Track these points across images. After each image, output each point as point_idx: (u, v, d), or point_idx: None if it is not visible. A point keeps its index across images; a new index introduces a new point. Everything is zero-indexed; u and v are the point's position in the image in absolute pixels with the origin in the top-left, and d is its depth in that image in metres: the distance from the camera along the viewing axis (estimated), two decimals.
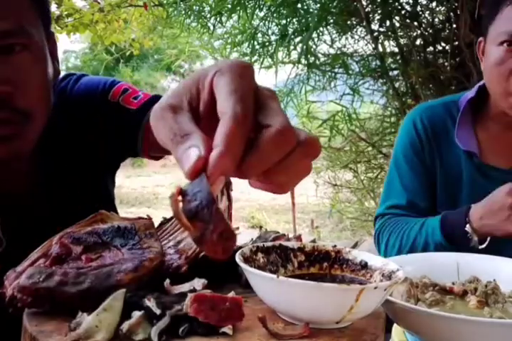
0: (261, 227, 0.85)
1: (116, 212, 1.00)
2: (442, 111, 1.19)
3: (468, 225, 1.02)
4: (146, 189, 9.63)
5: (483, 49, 1.10)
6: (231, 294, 0.56)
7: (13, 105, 0.70)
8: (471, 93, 1.14)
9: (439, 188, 1.19)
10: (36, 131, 0.77)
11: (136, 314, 0.53)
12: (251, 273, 0.58)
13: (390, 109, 2.80)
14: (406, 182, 1.20)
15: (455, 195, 1.17)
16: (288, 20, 2.49)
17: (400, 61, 2.57)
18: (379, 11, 2.46)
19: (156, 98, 0.91)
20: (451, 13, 2.46)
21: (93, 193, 0.95)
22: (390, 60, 2.62)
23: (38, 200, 0.87)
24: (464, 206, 1.11)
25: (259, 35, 2.59)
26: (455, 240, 1.05)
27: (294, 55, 2.60)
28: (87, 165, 0.94)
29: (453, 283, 0.85)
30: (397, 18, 2.56)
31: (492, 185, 1.12)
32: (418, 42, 2.56)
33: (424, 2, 2.60)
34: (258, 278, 0.58)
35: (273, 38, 2.60)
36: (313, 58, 2.55)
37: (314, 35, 2.41)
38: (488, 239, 1.03)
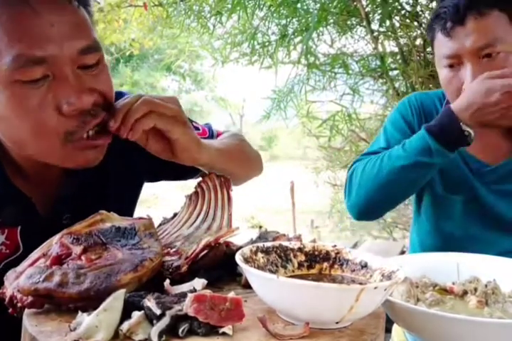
0: (261, 227, 0.85)
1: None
2: (433, 100, 1.23)
3: (461, 123, 1.02)
4: (146, 189, 9.60)
5: None
6: (231, 294, 0.56)
7: (105, 104, 0.78)
8: None
9: None
10: None
11: (136, 314, 0.53)
12: (251, 273, 0.58)
13: (390, 109, 2.79)
14: (388, 135, 1.23)
15: (437, 172, 1.17)
16: (288, 20, 2.48)
17: (399, 61, 2.57)
18: (379, 11, 2.46)
19: (210, 127, 1.07)
20: None
21: (119, 208, 0.96)
22: (390, 60, 2.62)
23: (60, 212, 0.88)
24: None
25: (259, 35, 2.59)
26: (451, 142, 1.04)
27: (294, 55, 2.60)
28: (127, 180, 0.97)
29: (453, 283, 0.85)
30: (397, 18, 2.56)
31: (470, 173, 1.14)
32: (418, 42, 2.55)
33: (424, 2, 2.60)
34: (258, 278, 0.58)
35: (273, 38, 2.60)
36: (313, 58, 2.55)
37: (314, 35, 2.40)
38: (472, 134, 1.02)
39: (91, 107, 0.75)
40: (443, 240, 1.19)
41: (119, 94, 0.97)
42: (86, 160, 0.79)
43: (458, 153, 1.14)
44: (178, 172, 1.03)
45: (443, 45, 1.06)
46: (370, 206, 1.16)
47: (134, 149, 0.93)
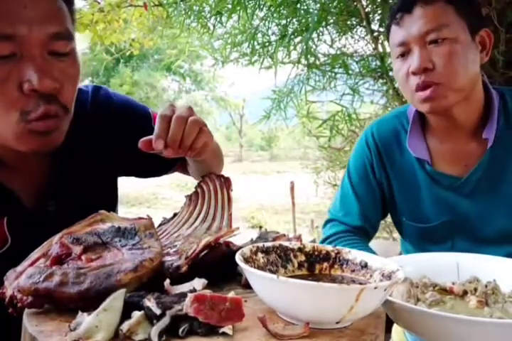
0: (261, 227, 0.85)
1: (116, 212, 1.02)
2: (393, 123, 1.23)
3: None
4: (146, 189, 9.62)
5: None
6: (231, 294, 0.56)
7: (60, 100, 0.79)
8: None
9: (398, 197, 1.22)
10: (68, 124, 0.84)
11: (136, 314, 0.53)
12: (251, 273, 0.58)
13: (390, 109, 2.79)
14: (353, 186, 1.26)
15: (415, 201, 1.19)
16: (288, 20, 2.48)
17: None
18: (379, 11, 2.46)
19: None
20: None
21: (100, 195, 0.97)
22: (390, 60, 2.62)
23: (45, 200, 0.88)
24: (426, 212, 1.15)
25: (259, 35, 2.59)
26: None
27: (294, 55, 2.60)
28: (104, 169, 0.98)
29: (453, 283, 0.85)
30: None
31: (446, 191, 1.14)
32: None
33: None
34: (258, 278, 0.58)
35: (273, 38, 2.60)
36: (313, 58, 2.55)
37: (314, 35, 2.40)
38: None
39: (49, 93, 0.77)
40: None
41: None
42: (40, 145, 0.80)
43: (426, 174, 1.16)
44: (152, 168, 1.07)
45: (394, 35, 1.09)
46: None
47: (108, 143, 0.97)
